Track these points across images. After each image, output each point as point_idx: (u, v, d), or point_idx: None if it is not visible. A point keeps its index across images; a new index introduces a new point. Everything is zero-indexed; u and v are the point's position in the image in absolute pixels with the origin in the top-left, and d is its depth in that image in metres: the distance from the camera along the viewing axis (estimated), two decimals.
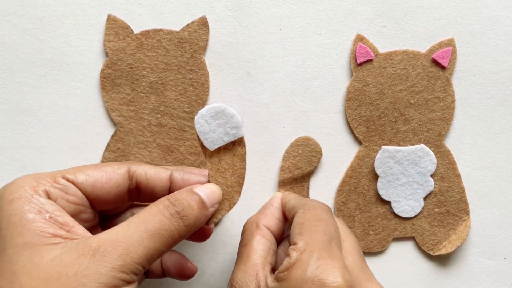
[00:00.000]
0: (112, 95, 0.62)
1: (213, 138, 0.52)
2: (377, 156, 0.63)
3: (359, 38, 0.63)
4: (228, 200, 0.53)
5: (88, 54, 0.62)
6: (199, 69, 0.62)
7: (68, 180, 0.49)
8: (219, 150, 0.52)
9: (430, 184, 0.63)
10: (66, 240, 0.44)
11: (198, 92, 0.62)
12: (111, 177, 0.51)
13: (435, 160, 0.63)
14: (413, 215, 0.63)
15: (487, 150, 0.64)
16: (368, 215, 0.64)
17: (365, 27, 0.63)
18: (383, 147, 0.63)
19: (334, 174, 0.64)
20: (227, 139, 0.52)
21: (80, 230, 0.46)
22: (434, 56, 0.62)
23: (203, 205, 0.50)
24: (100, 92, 0.62)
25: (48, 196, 0.47)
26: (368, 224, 0.64)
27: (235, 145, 0.53)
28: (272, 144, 0.63)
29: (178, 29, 0.62)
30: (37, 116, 0.62)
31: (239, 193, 0.54)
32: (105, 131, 0.63)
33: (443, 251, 0.63)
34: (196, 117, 0.51)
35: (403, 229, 0.64)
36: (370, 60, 0.62)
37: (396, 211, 0.63)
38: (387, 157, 0.62)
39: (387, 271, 0.64)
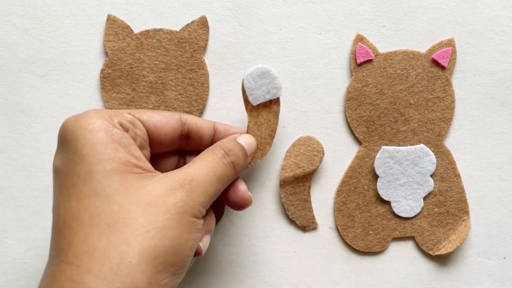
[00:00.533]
0: (112, 95, 0.62)
1: (257, 95, 0.58)
2: (377, 156, 0.63)
3: (359, 38, 0.63)
4: (261, 150, 0.60)
5: (88, 54, 0.63)
6: (199, 69, 0.63)
7: (134, 116, 0.51)
8: (258, 106, 0.59)
9: (430, 184, 0.63)
10: (145, 172, 0.48)
11: (198, 92, 0.63)
12: (168, 120, 0.54)
13: (434, 160, 0.63)
14: (412, 215, 0.63)
15: (487, 150, 0.64)
16: (368, 215, 0.64)
17: (365, 27, 0.63)
18: (383, 147, 0.63)
19: (334, 174, 0.64)
20: (268, 97, 0.58)
21: (150, 166, 0.49)
22: (434, 56, 0.62)
23: (246, 154, 0.56)
24: (100, 92, 0.62)
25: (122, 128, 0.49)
26: (368, 224, 0.64)
27: (272, 103, 0.59)
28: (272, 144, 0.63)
29: (178, 29, 0.62)
30: (37, 116, 0.62)
31: (270, 144, 0.60)
32: None
33: (442, 251, 0.63)
34: (245, 74, 0.57)
35: (402, 229, 0.64)
36: (370, 60, 0.62)
37: (396, 211, 0.63)
38: (387, 157, 0.62)
39: (387, 270, 0.64)
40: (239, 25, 0.63)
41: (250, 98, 0.58)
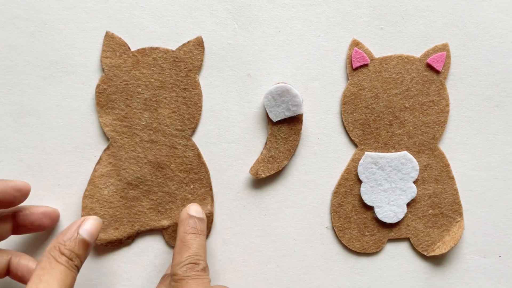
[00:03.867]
0: (106, 110, 0.63)
1: (277, 112, 0.61)
2: (360, 162, 0.64)
3: (355, 43, 0.63)
4: (277, 163, 0.63)
5: (91, 56, 0.63)
6: (193, 88, 0.64)
7: None
8: (279, 122, 0.62)
9: (413, 191, 0.63)
10: None
11: (191, 111, 0.64)
12: None
13: (417, 167, 0.63)
14: (396, 221, 0.64)
15: (482, 151, 0.65)
16: (364, 216, 0.64)
17: (363, 29, 0.64)
18: (366, 152, 0.63)
19: (332, 174, 0.65)
20: (288, 114, 0.61)
21: None
22: (428, 60, 0.63)
23: (87, 245, 0.55)
24: (95, 107, 0.63)
25: None
26: (364, 226, 0.64)
27: (294, 121, 0.62)
28: None
29: (175, 44, 0.63)
30: (42, 117, 0.63)
31: (288, 159, 0.63)
32: None
33: (437, 252, 0.64)
34: (265, 93, 0.61)
35: (397, 230, 0.64)
36: (365, 65, 0.63)
37: (379, 216, 0.64)
38: (370, 163, 0.63)
39: (385, 268, 0.65)
40: (239, 27, 0.64)
41: (270, 115, 0.62)
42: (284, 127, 0.62)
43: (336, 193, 0.64)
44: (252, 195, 0.64)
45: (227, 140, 0.64)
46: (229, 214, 0.65)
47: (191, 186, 0.64)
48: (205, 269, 0.57)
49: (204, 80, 0.64)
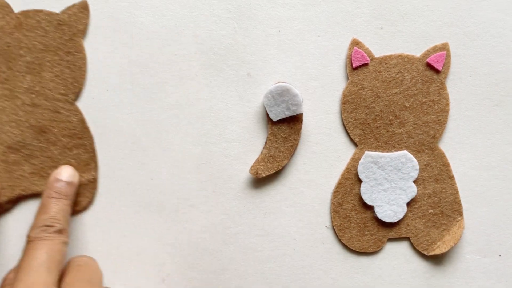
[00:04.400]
0: None
1: (277, 111, 0.61)
2: (360, 161, 0.64)
3: (355, 43, 0.63)
4: (277, 162, 0.63)
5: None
6: (77, 52, 0.63)
7: None
8: (280, 121, 0.62)
9: (413, 190, 0.63)
10: None
11: (75, 75, 0.63)
12: None
13: (417, 166, 0.63)
14: (396, 221, 0.64)
15: (482, 150, 0.65)
16: (364, 216, 0.64)
17: (363, 29, 0.64)
18: (366, 152, 0.63)
19: (332, 174, 0.65)
20: (288, 113, 0.61)
21: None
22: (428, 60, 0.63)
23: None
24: None
25: None
26: (364, 225, 0.64)
27: (294, 120, 0.62)
28: None
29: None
30: None
31: (288, 158, 0.63)
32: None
33: (437, 251, 0.64)
34: (265, 92, 0.61)
35: (398, 229, 0.64)
36: (365, 64, 0.63)
37: (379, 216, 0.64)
38: (370, 162, 0.63)
39: (385, 268, 0.65)
40: (239, 27, 0.64)
41: (270, 115, 0.61)
42: (284, 127, 0.62)
43: (336, 192, 0.64)
44: (252, 195, 0.64)
45: (227, 139, 0.64)
46: (229, 214, 0.65)
47: (75, 151, 0.63)
48: (62, 231, 0.57)
49: (204, 79, 0.64)
